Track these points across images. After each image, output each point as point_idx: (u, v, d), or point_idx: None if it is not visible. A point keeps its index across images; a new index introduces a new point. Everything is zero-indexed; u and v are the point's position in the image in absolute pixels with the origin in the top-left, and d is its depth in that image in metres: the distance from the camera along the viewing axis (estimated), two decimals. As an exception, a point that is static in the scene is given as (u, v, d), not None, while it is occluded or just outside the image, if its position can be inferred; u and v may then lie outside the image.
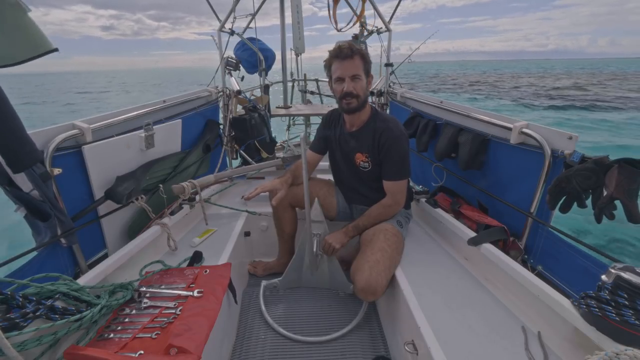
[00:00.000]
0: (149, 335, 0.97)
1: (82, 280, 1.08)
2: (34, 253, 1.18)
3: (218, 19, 2.47)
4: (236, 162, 2.66)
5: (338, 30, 3.10)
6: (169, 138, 1.86)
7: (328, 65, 1.43)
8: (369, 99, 1.55)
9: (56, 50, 0.79)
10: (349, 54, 1.34)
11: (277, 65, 3.34)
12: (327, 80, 1.52)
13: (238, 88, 2.52)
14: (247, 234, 1.89)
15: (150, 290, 1.16)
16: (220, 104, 2.46)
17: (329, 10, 3.02)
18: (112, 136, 1.47)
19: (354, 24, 2.98)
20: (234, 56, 2.59)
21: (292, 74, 3.81)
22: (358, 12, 3.01)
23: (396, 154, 1.43)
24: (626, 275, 0.80)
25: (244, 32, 2.76)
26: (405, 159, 1.45)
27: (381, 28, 2.74)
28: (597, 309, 0.84)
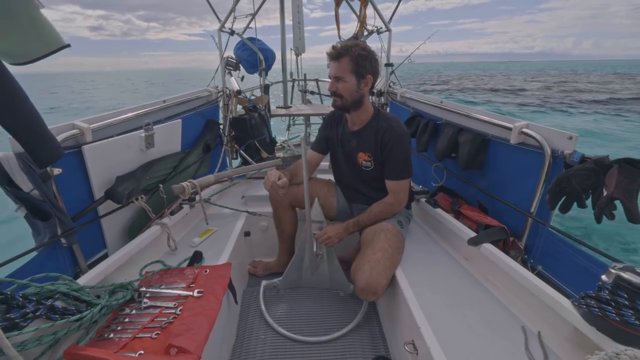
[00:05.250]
0: (149, 335, 0.97)
1: (82, 280, 1.08)
2: (34, 253, 1.18)
3: (218, 19, 2.47)
4: (236, 162, 2.66)
5: (340, 38, 3.11)
6: (169, 138, 1.86)
7: (328, 65, 1.45)
8: (370, 99, 1.55)
9: (68, 45, 0.80)
10: (335, 55, 1.37)
11: (277, 65, 3.33)
12: (328, 80, 1.53)
13: (238, 88, 2.52)
14: (247, 234, 1.89)
15: (150, 290, 1.16)
16: (220, 104, 2.46)
17: (336, 17, 3.02)
18: (112, 136, 1.47)
19: (358, 31, 2.98)
20: (234, 56, 2.59)
21: (292, 74, 3.80)
22: (360, 16, 3.00)
23: (399, 153, 1.43)
24: (626, 275, 0.80)
25: (244, 32, 2.76)
26: (407, 159, 1.45)
27: (381, 28, 2.74)
28: (597, 309, 0.84)
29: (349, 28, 3.15)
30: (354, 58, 1.36)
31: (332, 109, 1.60)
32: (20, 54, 0.73)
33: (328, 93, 1.57)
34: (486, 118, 1.57)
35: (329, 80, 1.44)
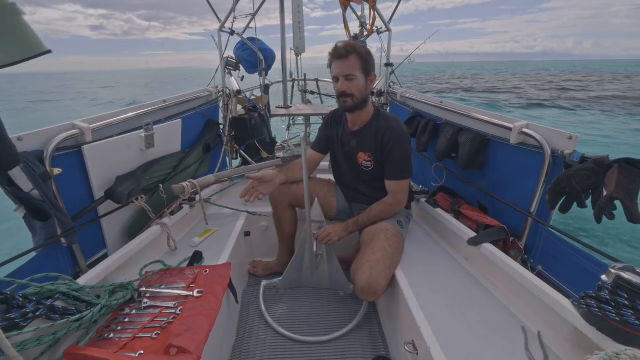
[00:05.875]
0: (149, 335, 0.97)
1: (82, 280, 1.08)
2: (34, 253, 1.18)
3: (218, 19, 2.47)
4: (236, 162, 2.66)
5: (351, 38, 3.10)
6: (169, 138, 1.86)
7: (329, 65, 1.44)
8: (370, 99, 1.55)
9: (49, 51, 0.79)
10: (344, 53, 1.35)
11: (277, 65, 3.33)
12: (328, 80, 1.53)
13: (238, 88, 2.52)
14: (247, 234, 1.89)
15: (150, 290, 1.16)
16: (220, 104, 2.46)
17: (344, 20, 3.01)
18: (112, 136, 1.47)
19: (368, 34, 2.96)
20: (234, 56, 2.59)
21: (292, 74, 3.80)
22: (363, 18, 3.01)
23: (398, 153, 1.43)
24: (626, 275, 0.80)
25: (244, 32, 2.76)
26: (407, 159, 1.45)
27: (381, 28, 2.74)
28: (597, 309, 0.84)
29: (350, 28, 3.14)
30: (362, 55, 1.36)
31: (332, 108, 1.60)
32: None
33: (328, 93, 1.57)
34: (486, 118, 1.57)
35: (328, 80, 1.43)
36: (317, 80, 4.21)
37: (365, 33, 2.97)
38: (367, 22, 2.95)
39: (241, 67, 2.62)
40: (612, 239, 3.79)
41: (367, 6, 2.83)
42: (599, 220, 1.07)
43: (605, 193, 1.04)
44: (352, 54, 1.35)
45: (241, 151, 2.49)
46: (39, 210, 1.16)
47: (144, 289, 1.16)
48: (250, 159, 2.46)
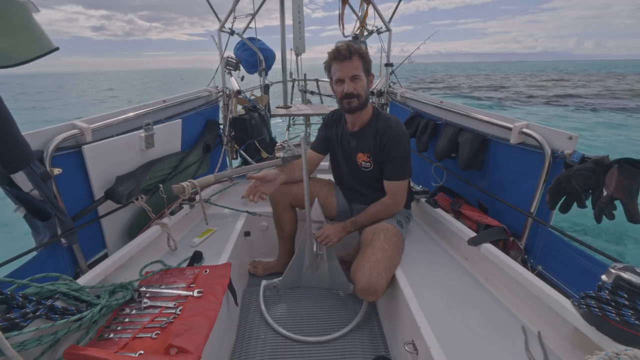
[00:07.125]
0: (149, 335, 0.97)
1: (82, 280, 1.08)
2: (34, 253, 1.18)
3: (218, 19, 2.47)
4: (236, 162, 2.66)
5: (344, 36, 3.12)
6: (169, 138, 1.86)
7: (328, 67, 1.44)
8: (370, 99, 1.55)
9: (57, 49, 0.80)
10: (347, 55, 1.35)
11: (277, 65, 3.33)
12: (328, 80, 1.52)
13: (238, 88, 2.52)
14: (247, 234, 1.89)
15: (150, 290, 1.16)
16: (220, 104, 2.46)
17: (339, 15, 3.03)
18: (112, 136, 1.47)
19: (358, 29, 2.99)
20: (233, 56, 2.59)
21: (292, 74, 3.80)
22: (360, 15, 3.01)
23: (397, 154, 1.43)
24: (626, 275, 0.80)
25: (244, 32, 2.76)
26: (406, 159, 1.45)
27: (381, 28, 2.74)
28: (597, 309, 0.84)
29: (349, 28, 3.16)
30: (363, 56, 1.37)
31: (331, 108, 1.60)
32: (9, 56, 0.72)
33: (328, 93, 1.57)
34: (486, 118, 1.57)
35: (328, 80, 1.43)
36: (317, 80, 4.21)
37: (366, 33, 2.97)
38: (367, 21, 2.96)
39: (241, 67, 2.62)
40: (612, 238, 3.79)
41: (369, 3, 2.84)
42: (599, 220, 1.07)
43: (605, 193, 1.04)
44: (355, 55, 1.35)
45: (241, 151, 2.49)
46: (39, 210, 1.16)
47: (144, 289, 1.16)
48: (250, 159, 2.46)
